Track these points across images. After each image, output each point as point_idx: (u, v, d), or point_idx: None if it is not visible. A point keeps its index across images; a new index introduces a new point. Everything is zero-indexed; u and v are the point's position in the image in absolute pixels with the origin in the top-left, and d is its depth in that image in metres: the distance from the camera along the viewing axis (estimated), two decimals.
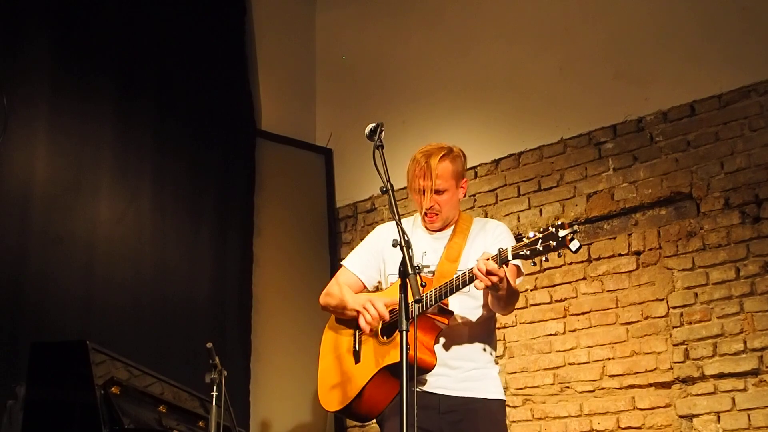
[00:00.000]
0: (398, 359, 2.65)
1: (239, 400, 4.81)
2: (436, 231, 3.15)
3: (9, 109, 4.03)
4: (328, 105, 6.25)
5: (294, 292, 5.52)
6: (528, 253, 2.70)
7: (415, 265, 2.84)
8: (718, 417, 4.23)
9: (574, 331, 4.78)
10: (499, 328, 5.05)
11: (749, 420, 4.14)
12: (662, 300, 4.53)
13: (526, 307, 4.98)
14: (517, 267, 2.95)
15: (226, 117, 5.55)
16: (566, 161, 5.04)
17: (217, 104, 5.48)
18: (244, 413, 4.95)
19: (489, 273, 2.71)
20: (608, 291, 4.72)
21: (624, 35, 4.98)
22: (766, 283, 4.24)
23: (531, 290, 4.99)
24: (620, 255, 4.73)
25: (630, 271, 4.67)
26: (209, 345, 3.15)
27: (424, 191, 3.04)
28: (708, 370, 4.31)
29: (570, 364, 4.75)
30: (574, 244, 2.61)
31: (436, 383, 2.96)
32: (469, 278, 2.81)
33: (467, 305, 3.04)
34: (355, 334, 3.11)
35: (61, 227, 4.31)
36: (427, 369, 2.88)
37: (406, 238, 2.49)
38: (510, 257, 2.74)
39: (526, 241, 2.72)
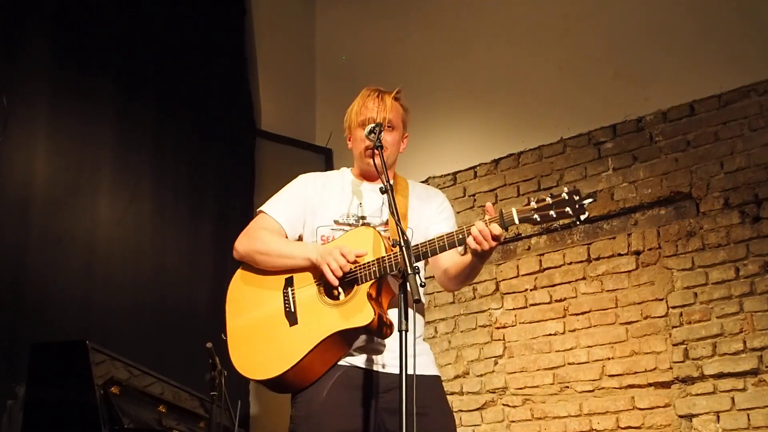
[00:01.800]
0: (365, 322, 2.50)
1: (239, 400, 4.81)
2: (370, 181, 2.86)
3: (9, 109, 4.03)
4: (328, 105, 6.26)
5: None
6: (538, 217, 2.46)
7: (359, 217, 2.71)
8: (718, 417, 4.23)
9: (573, 330, 4.78)
10: (498, 328, 5.05)
11: (749, 420, 4.14)
12: (662, 300, 4.53)
13: (526, 307, 4.98)
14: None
15: (226, 117, 5.56)
16: (566, 161, 5.04)
17: (217, 104, 5.48)
18: (244, 413, 4.95)
19: (494, 238, 2.46)
20: (608, 291, 4.72)
21: (624, 35, 4.98)
22: (766, 283, 4.25)
23: (531, 290, 4.99)
24: (620, 255, 4.73)
25: (629, 271, 4.67)
26: (209, 345, 3.15)
27: (372, 122, 2.77)
28: (707, 369, 4.31)
29: (570, 363, 4.75)
30: (585, 214, 2.43)
31: (379, 359, 2.65)
32: (459, 240, 2.53)
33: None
34: (287, 292, 2.71)
35: (61, 227, 4.31)
36: (385, 336, 2.59)
37: (406, 239, 2.45)
38: (516, 221, 2.48)
39: (534, 204, 2.47)
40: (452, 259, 2.72)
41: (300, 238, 2.88)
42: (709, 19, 4.69)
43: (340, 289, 2.66)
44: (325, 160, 6.06)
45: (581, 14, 5.19)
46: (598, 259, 4.80)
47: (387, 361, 2.65)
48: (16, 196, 4.13)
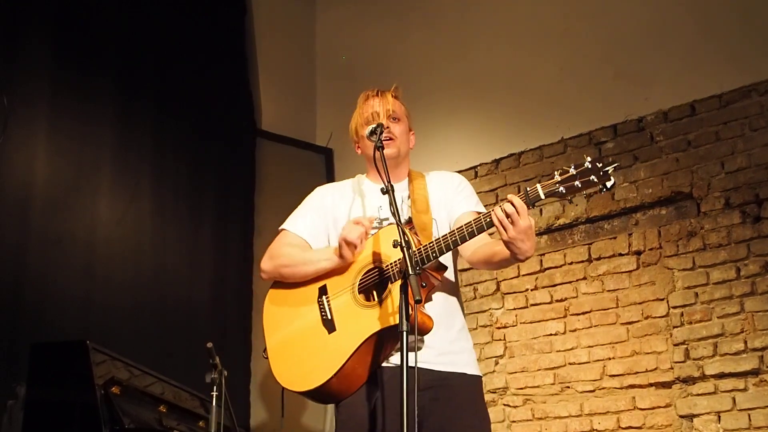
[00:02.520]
0: (396, 321, 2.45)
1: (239, 400, 4.81)
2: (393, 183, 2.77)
3: (9, 109, 4.03)
4: (328, 105, 6.26)
5: None
6: (563, 190, 2.39)
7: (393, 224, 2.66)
8: (719, 417, 4.23)
9: (574, 330, 4.78)
10: (499, 328, 5.05)
11: (750, 420, 4.14)
12: (663, 300, 4.53)
13: (527, 307, 4.98)
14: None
15: (227, 117, 5.56)
16: (567, 161, 5.04)
17: (218, 104, 5.48)
18: (244, 413, 4.95)
19: (509, 216, 2.39)
20: (609, 291, 4.72)
21: (624, 35, 4.98)
22: (767, 283, 4.24)
23: (531, 290, 4.99)
24: (621, 255, 4.73)
25: (630, 271, 4.67)
26: (209, 345, 3.14)
27: (378, 116, 2.83)
28: (708, 369, 4.31)
29: (570, 363, 4.74)
30: (611, 181, 2.36)
31: (418, 357, 2.59)
32: (487, 224, 2.47)
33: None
34: (322, 302, 2.72)
35: (61, 227, 4.31)
36: (427, 331, 2.57)
37: (406, 239, 2.45)
38: (542, 195, 2.41)
39: (558, 177, 2.40)
40: (484, 248, 2.68)
41: None
42: (710, 19, 4.69)
43: (374, 291, 2.65)
44: (325, 160, 6.06)
45: (582, 14, 5.19)
46: (598, 259, 4.79)
47: (429, 358, 2.61)
48: (16, 196, 4.13)
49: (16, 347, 3.73)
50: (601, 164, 2.39)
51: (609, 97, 4.95)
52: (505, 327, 5.03)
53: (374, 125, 2.73)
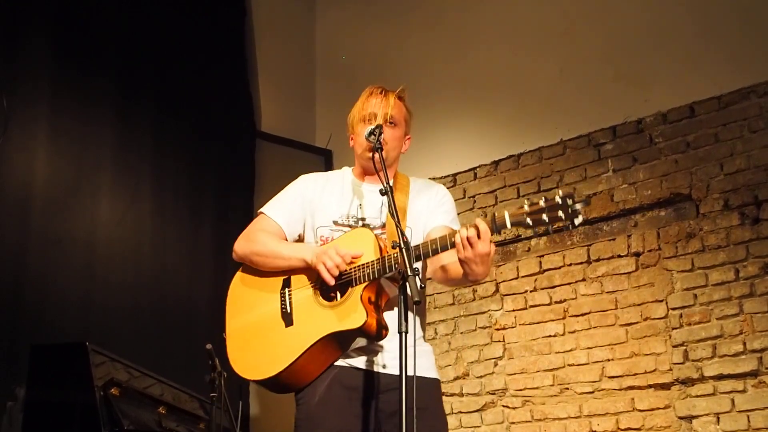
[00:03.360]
0: (357, 324, 2.49)
1: (239, 402, 4.81)
2: (371, 181, 2.83)
3: (9, 110, 4.03)
4: (327, 106, 6.26)
5: None
6: (530, 222, 2.38)
7: (354, 217, 2.72)
8: (718, 418, 4.23)
9: (573, 332, 4.78)
10: (498, 330, 5.05)
11: (749, 421, 4.14)
12: (662, 301, 4.53)
13: (526, 309, 4.98)
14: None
15: (226, 118, 5.56)
16: (566, 162, 5.04)
17: (217, 106, 5.49)
18: (243, 414, 4.94)
19: (470, 241, 2.40)
20: (608, 292, 4.72)
21: (623, 37, 4.98)
22: (766, 285, 4.25)
23: (530, 291, 4.99)
24: (620, 256, 4.73)
25: (629, 273, 4.67)
26: (209, 346, 3.15)
27: (375, 117, 2.80)
28: (707, 371, 4.31)
29: (569, 365, 4.75)
30: (579, 219, 2.35)
31: (378, 360, 2.64)
32: (451, 243, 2.48)
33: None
34: (284, 294, 2.73)
35: (61, 228, 4.31)
36: (383, 337, 2.58)
37: (406, 240, 2.45)
38: (508, 224, 2.42)
39: (527, 208, 2.40)
40: (451, 258, 2.67)
41: (300, 239, 2.89)
42: (709, 20, 4.69)
43: (338, 291, 2.65)
44: (324, 161, 6.06)
45: (581, 16, 5.19)
46: (597, 260, 4.80)
47: (386, 362, 2.64)
48: (16, 197, 4.13)
49: (15, 348, 3.74)
50: (571, 200, 2.37)
51: (608, 99, 4.96)
52: (504, 328, 5.03)
53: (373, 126, 2.72)
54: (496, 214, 2.44)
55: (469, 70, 5.58)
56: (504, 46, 5.47)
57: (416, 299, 2.30)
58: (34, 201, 4.22)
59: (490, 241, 2.45)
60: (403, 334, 2.33)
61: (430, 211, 2.85)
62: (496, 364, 5.00)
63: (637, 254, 4.68)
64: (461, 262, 2.51)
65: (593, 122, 4.98)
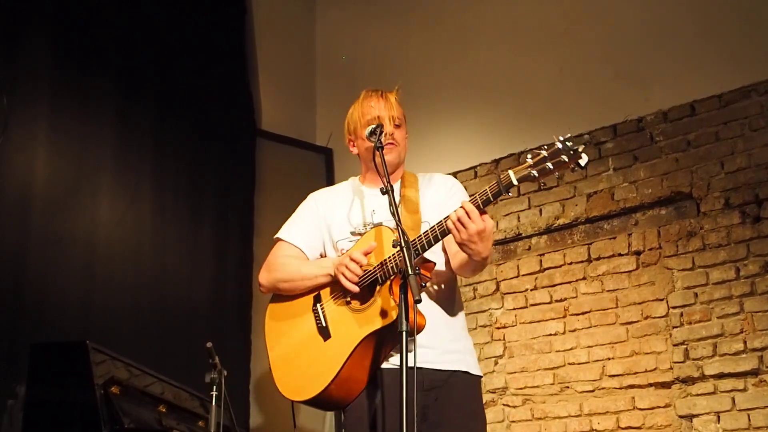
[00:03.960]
0: (390, 319, 2.48)
1: (239, 400, 4.81)
2: (377, 186, 2.76)
3: (9, 110, 4.03)
4: (328, 105, 6.26)
5: None
6: (536, 173, 2.37)
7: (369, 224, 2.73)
8: (718, 417, 4.23)
9: (574, 330, 4.78)
10: (498, 328, 5.05)
11: (749, 420, 4.14)
12: (662, 300, 4.53)
13: (526, 307, 4.98)
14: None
15: (227, 117, 5.55)
16: None
17: (218, 104, 5.48)
18: (243, 413, 4.95)
19: (460, 220, 2.42)
20: (608, 291, 4.72)
21: (624, 36, 4.98)
22: (767, 283, 4.25)
23: (531, 290, 4.99)
24: (620, 255, 4.73)
25: (630, 271, 4.67)
26: (209, 345, 3.15)
27: (380, 121, 2.78)
28: (708, 370, 4.31)
29: (570, 364, 4.75)
30: (584, 159, 2.34)
31: (414, 357, 2.61)
32: (448, 230, 2.49)
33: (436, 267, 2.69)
34: (317, 311, 2.74)
35: (62, 228, 4.31)
36: (420, 330, 2.54)
37: (406, 239, 2.45)
38: (515, 182, 2.40)
39: (530, 161, 2.39)
40: (454, 248, 2.68)
41: (322, 257, 2.90)
42: (710, 19, 4.69)
43: (367, 294, 2.65)
44: (325, 160, 6.06)
45: (581, 15, 5.19)
46: (598, 259, 4.80)
47: (425, 358, 2.58)
48: (16, 196, 4.13)
49: (16, 347, 3.74)
50: (571, 143, 2.36)
51: (609, 98, 4.96)
52: (504, 327, 5.03)
53: (374, 125, 2.72)
54: (501, 176, 2.43)
55: (469, 70, 5.58)
56: (504, 46, 5.47)
57: (416, 298, 2.30)
58: (34, 201, 4.21)
59: (486, 216, 2.46)
60: (404, 333, 2.33)
61: (441, 202, 2.84)
62: (496, 363, 5.00)
63: (638, 253, 4.68)
64: (461, 245, 2.51)
65: (594, 121, 4.98)
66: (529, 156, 2.42)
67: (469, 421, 2.67)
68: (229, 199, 5.44)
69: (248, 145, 5.71)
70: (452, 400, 2.57)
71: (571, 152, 2.35)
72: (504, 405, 4.92)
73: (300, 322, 2.77)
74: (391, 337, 2.58)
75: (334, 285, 2.73)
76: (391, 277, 2.57)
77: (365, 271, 2.63)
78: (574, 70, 5.13)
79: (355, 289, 2.61)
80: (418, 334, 2.53)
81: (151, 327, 4.60)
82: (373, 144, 2.69)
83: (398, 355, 2.54)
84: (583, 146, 2.36)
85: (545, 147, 2.39)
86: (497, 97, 5.43)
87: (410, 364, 2.30)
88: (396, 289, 2.50)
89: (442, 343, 2.69)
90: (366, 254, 2.61)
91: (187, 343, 4.58)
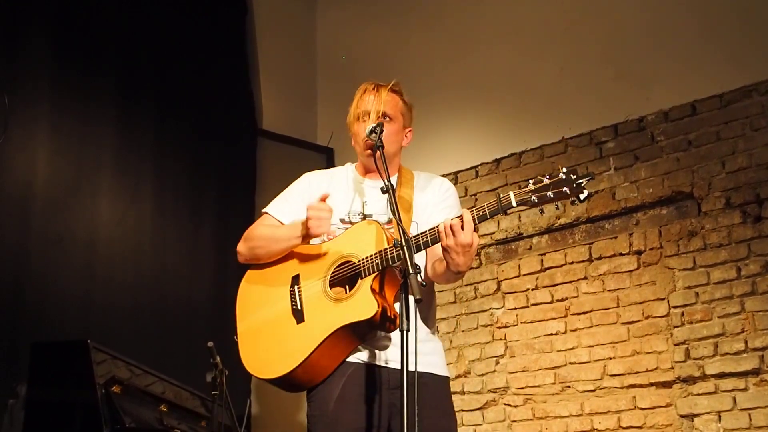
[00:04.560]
0: (369, 314, 2.48)
1: (240, 400, 4.81)
2: (373, 178, 2.83)
3: (10, 109, 4.03)
4: (329, 104, 6.26)
5: None
6: (536, 199, 2.39)
7: (365, 215, 2.71)
8: (719, 416, 4.23)
9: (575, 330, 4.78)
10: (499, 328, 5.05)
11: (750, 419, 4.14)
12: (663, 299, 4.53)
13: (527, 307, 4.98)
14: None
15: (227, 117, 5.56)
16: (567, 161, 5.04)
17: (218, 104, 5.48)
18: (244, 412, 4.94)
19: (453, 231, 2.41)
20: (609, 290, 4.72)
21: (625, 35, 4.98)
22: (767, 283, 4.24)
23: (532, 289, 4.99)
24: (621, 254, 4.73)
25: (631, 271, 4.67)
26: (210, 344, 3.15)
27: (369, 115, 2.79)
28: (709, 369, 4.30)
29: (571, 363, 4.74)
30: (584, 193, 2.35)
31: (383, 355, 2.62)
32: (433, 238, 2.49)
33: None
34: (294, 291, 2.71)
35: (62, 227, 4.31)
36: (393, 330, 2.57)
37: (406, 237, 2.44)
38: (514, 203, 2.43)
39: (532, 186, 2.40)
40: (437, 256, 2.67)
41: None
42: (711, 18, 4.69)
43: (346, 286, 2.64)
44: (326, 159, 6.06)
45: (582, 14, 5.19)
46: (599, 258, 4.79)
47: (395, 357, 2.59)
48: (17, 196, 4.13)
49: (16, 347, 3.74)
50: (575, 176, 2.37)
51: (610, 97, 4.95)
52: (505, 326, 5.03)
53: (374, 125, 2.71)
54: (501, 195, 2.45)
55: (470, 69, 5.58)
56: (505, 45, 5.47)
57: (417, 297, 2.29)
58: (34, 200, 4.22)
59: (475, 233, 2.46)
60: (405, 331, 2.33)
61: (434, 205, 2.84)
62: (497, 363, 5.00)
63: (639, 252, 4.67)
64: (443, 250, 2.50)
65: (595, 120, 4.98)
66: (531, 181, 2.43)
67: (441, 418, 2.66)
68: (230, 198, 5.44)
69: (249, 144, 5.71)
70: (420, 399, 2.53)
71: (574, 185, 2.37)
72: (505, 404, 4.91)
73: (275, 299, 2.75)
74: (363, 331, 2.59)
75: (313, 266, 2.71)
76: (374, 274, 2.56)
77: (348, 263, 2.62)
78: (575, 70, 5.13)
79: (328, 229, 2.63)
80: (390, 332, 2.58)
81: (151, 326, 4.60)
82: (369, 141, 2.68)
83: (366, 350, 2.63)
84: (587, 180, 2.37)
85: (548, 176, 2.40)
86: (498, 97, 5.43)
87: (410, 362, 2.30)
88: (377, 286, 2.53)
89: (409, 344, 2.59)
90: (323, 198, 2.63)
91: (188, 343, 4.58)
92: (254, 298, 2.81)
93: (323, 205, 2.63)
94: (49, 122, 4.36)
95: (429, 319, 2.79)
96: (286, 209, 2.88)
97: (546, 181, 2.40)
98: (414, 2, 6.02)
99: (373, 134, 2.68)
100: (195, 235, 5.14)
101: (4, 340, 3.81)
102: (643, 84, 4.85)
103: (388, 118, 2.84)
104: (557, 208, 2.45)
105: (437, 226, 2.51)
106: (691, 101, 4.65)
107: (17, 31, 4.26)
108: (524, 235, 5.05)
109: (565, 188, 2.38)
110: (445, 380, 2.75)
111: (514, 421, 4.86)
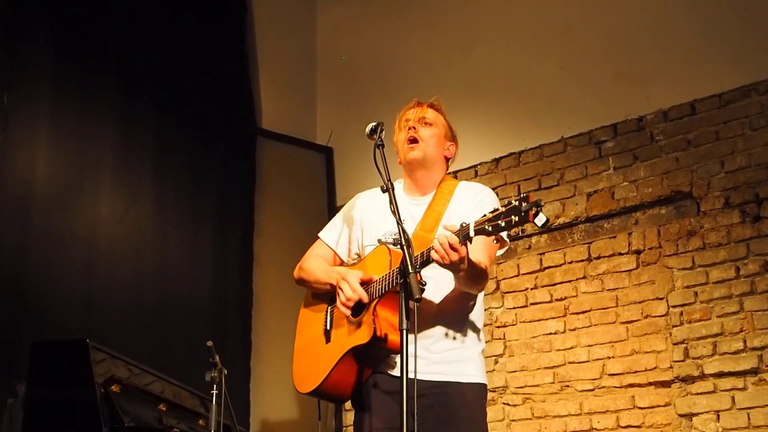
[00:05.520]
0: (365, 340, 2.62)
1: (239, 399, 4.82)
2: (418, 195, 2.95)
3: (9, 108, 4.03)
4: (328, 103, 6.26)
5: (294, 291, 5.50)
6: (490, 229, 2.42)
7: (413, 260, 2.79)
8: (718, 416, 4.24)
9: (574, 329, 4.78)
10: (499, 327, 5.05)
11: (749, 419, 4.15)
12: (662, 299, 4.54)
13: (527, 306, 4.99)
14: (501, 237, 2.56)
15: (227, 115, 5.55)
16: (567, 160, 5.04)
17: (218, 103, 5.48)
18: (244, 412, 4.95)
19: (452, 248, 2.46)
20: (608, 290, 4.72)
21: (624, 35, 4.98)
22: (766, 282, 4.25)
23: (531, 289, 4.99)
24: (620, 254, 4.73)
25: (630, 270, 4.67)
26: (209, 343, 3.15)
27: (409, 121, 2.94)
28: (708, 369, 4.31)
29: (570, 362, 4.75)
30: (540, 219, 2.36)
31: (404, 366, 2.60)
32: (427, 257, 2.55)
33: (439, 279, 2.74)
34: (326, 312, 2.93)
35: (62, 226, 4.31)
36: (397, 350, 2.60)
37: (406, 237, 2.46)
38: (472, 233, 2.46)
39: (488, 215, 2.46)
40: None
41: (359, 257, 3.00)
42: (710, 18, 4.69)
43: (361, 309, 2.75)
44: (325, 158, 6.06)
45: (582, 14, 5.19)
46: (598, 258, 4.80)
47: (420, 368, 2.56)
48: (17, 195, 4.13)
49: (16, 345, 3.74)
50: (525, 203, 2.38)
51: (609, 97, 4.96)
52: (504, 326, 5.03)
53: (374, 124, 2.73)
54: (464, 224, 2.48)
55: (470, 68, 5.58)
56: (505, 44, 5.47)
57: (416, 297, 2.31)
58: (34, 198, 4.22)
59: (458, 249, 2.50)
60: (404, 331, 2.34)
61: (467, 210, 2.86)
62: (496, 362, 5.00)
63: (638, 252, 4.68)
64: (446, 267, 2.55)
65: (594, 120, 4.98)
66: (488, 211, 2.46)
67: (467, 427, 2.70)
68: (230, 197, 5.44)
69: (248, 143, 5.71)
70: (445, 407, 2.62)
71: (522, 213, 2.37)
72: (504, 404, 4.92)
73: (316, 319, 2.95)
74: (373, 351, 2.70)
75: None
76: (376, 299, 2.65)
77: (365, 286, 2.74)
78: (574, 69, 5.13)
79: (347, 312, 2.73)
80: (392, 349, 2.64)
81: (151, 325, 4.61)
82: (408, 134, 2.88)
83: (391, 362, 2.74)
84: (537, 208, 2.37)
85: (505, 204, 2.43)
86: (497, 96, 5.43)
87: (410, 367, 2.38)
88: (381, 309, 2.64)
89: (436, 353, 2.75)
90: (362, 282, 2.72)
91: (188, 342, 4.59)
92: (305, 318, 3.04)
93: (354, 291, 2.70)
94: (49, 120, 4.36)
95: (458, 328, 2.81)
96: (334, 232, 3.06)
97: (501, 209, 2.43)
98: (414, 1, 6.02)
99: (374, 133, 2.69)
100: (195, 234, 5.14)
101: (3, 339, 3.81)
102: (642, 83, 4.85)
103: (428, 124, 2.97)
104: (518, 235, 2.49)
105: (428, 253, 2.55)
106: (691, 101, 4.66)
107: (17, 29, 4.26)
108: (523, 234, 5.06)
109: (513, 217, 2.39)
110: (470, 387, 2.77)
111: (513, 420, 4.86)
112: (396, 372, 2.68)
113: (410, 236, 2.72)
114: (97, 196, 4.58)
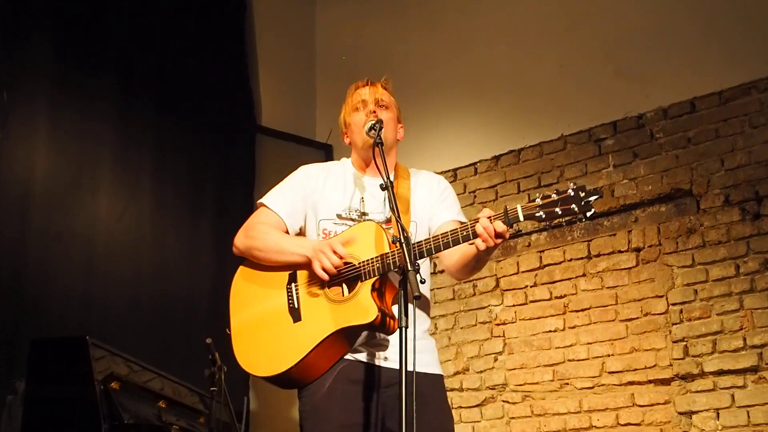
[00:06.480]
0: (369, 319, 2.47)
1: (238, 396, 4.81)
2: (371, 174, 2.81)
3: (9, 105, 4.03)
4: (328, 101, 6.25)
5: None
6: (543, 215, 2.37)
7: (359, 212, 2.71)
8: (718, 414, 4.24)
9: (573, 327, 4.78)
10: (498, 325, 5.05)
11: (748, 417, 4.15)
12: (662, 297, 4.53)
13: (526, 304, 4.98)
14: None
15: (226, 113, 5.55)
16: (566, 158, 5.04)
17: (218, 100, 5.48)
18: (243, 409, 4.95)
19: (498, 235, 2.39)
20: (608, 288, 4.72)
21: (624, 33, 4.98)
22: (766, 280, 4.25)
23: (531, 287, 4.99)
24: (620, 252, 4.73)
25: (630, 268, 4.67)
26: (209, 340, 3.15)
27: (365, 103, 2.79)
28: (707, 366, 4.31)
29: (569, 360, 4.75)
30: (591, 211, 2.34)
31: (381, 354, 2.63)
32: (464, 237, 2.45)
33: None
34: (290, 289, 2.69)
35: (62, 223, 4.31)
36: (392, 332, 2.55)
37: (406, 235, 2.44)
38: (521, 218, 2.39)
39: (539, 201, 2.38)
40: (460, 250, 2.65)
41: (302, 231, 2.84)
42: (710, 16, 4.69)
43: (344, 286, 2.62)
44: (325, 155, 6.06)
45: (582, 12, 5.19)
46: (598, 255, 4.80)
47: (389, 355, 2.63)
48: (16, 192, 4.14)
49: (16, 342, 3.74)
50: (584, 193, 2.36)
51: (609, 94, 4.95)
52: (504, 323, 5.03)
53: (373, 121, 2.71)
54: (508, 208, 2.42)
55: (469, 66, 5.58)
56: (504, 42, 5.47)
57: (416, 294, 2.29)
58: (34, 196, 4.22)
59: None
60: (404, 329, 2.33)
61: (432, 205, 2.83)
62: (496, 359, 5.00)
63: (638, 250, 4.68)
64: (482, 252, 2.47)
65: (594, 117, 4.98)
66: (539, 196, 2.40)
67: (436, 415, 2.65)
68: (229, 194, 5.44)
69: (248, 141, 5.71)
70: (415, 397, 2.48)
71: (582, 203, 2.35)
72: (503, 401, 4.92)
73: (270, 295, 2.72)
74: (357, 334, 2.59)
75: (308, 267, 2.67)
76: (375, 278, 2.55)
77: (348, 264, 2.60)
78: (574, 67, 5.13)
79: (326, 277, 2.58)
80: (390, 335, 2.56)
81: (150, 322, 4.61)
82: (372, 139, 2.66)
83: (364, 349, 2.63)
84: (596, 198, 2.35)
85: (556, 191, 2.38)
86: (497, 94, 5.43)
87: (409, 360, 2.30)
88: (377, 289, 2.52)
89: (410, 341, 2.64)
90: (344, 258, 2.59)
91: (187, 339, 4.58)
92: (249, 293, 2.78)
93: (335, 259, 2.57)
94: (48, 118, 4.36)
95: (421, 319, 2.74)
96: (284, 202, 2.83)
97: (554, 196, 2.38)
98: (414, 0, 6.02)
99: (372, 131, 2.68)
100: (194, 231, 5.14)
101: (3, 336, 3.81)
102: (642, 81, 4.85)
103: (385, 106, 2.84)
104: (563, 225, 2.43)
105: (474, 229, 2.44)
106: (690, 98, 4.65)
107: (17, 27, 4.27)
108: (523, 232, 5.06)
109: (573, 205, 2.35)
110: (440, 378, 2.75)
111: (513, 418, 4.86)
112: (365, 358, 2.62)
113: (389, 217, 2.68)
114: (96, 193, 4.59)
